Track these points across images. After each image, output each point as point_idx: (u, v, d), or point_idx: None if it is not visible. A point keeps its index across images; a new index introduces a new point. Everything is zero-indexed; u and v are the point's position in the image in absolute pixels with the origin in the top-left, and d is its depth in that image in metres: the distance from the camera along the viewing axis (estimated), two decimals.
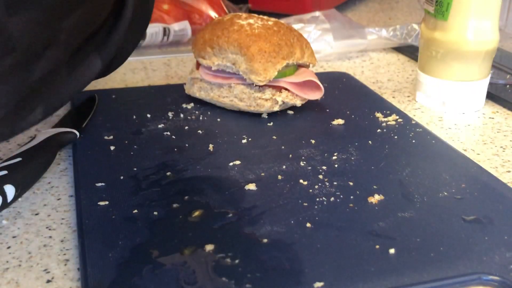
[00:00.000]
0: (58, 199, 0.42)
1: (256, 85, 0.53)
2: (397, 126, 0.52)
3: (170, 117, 0.54)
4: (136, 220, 0.38)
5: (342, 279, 0.32)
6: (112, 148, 0.48)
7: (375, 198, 0.40)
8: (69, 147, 0.49)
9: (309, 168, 0.44)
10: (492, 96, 0.59)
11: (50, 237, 0.37)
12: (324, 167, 0.44)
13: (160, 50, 0.76)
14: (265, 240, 0.36)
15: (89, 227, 0.37)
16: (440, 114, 0.56)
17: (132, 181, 0.42)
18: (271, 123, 0.53)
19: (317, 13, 0.76)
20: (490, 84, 0.58)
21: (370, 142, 0.49)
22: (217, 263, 0.33)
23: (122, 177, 0.43)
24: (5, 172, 0.40)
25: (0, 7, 0.29)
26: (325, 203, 0.40)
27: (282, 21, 0.56)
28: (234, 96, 0.54)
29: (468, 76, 0.55)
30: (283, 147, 0.48)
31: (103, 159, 0.46)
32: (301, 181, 0.42)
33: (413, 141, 0.49)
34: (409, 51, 0.74)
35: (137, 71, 0.69)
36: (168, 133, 0.50)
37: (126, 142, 0.49)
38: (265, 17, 0.56)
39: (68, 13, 0.33)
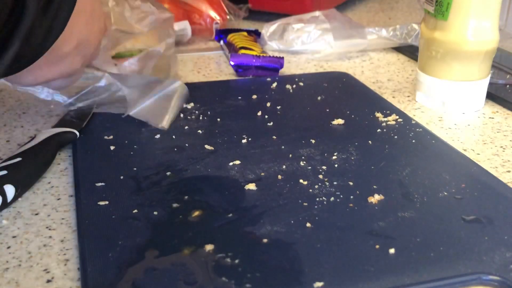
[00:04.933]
0: (58, 199, 0.42)
1: None
2: (397, 126, 0.52)
3: None
4: (136, 220, 0.38)
5: (342, 279, 0.32)
6: (112, 148, 0.48)
7: (375, 198, 0.40)
8: (69, 147, 0.49)
9: (309, 168, 0.44)
10: (492, 96, 0.59)
11: (50, 237, 0.37)
12: (324, 167, 0.44)
13: None
14: (265, 240, 0.35)
15: (89, 227, 0.37)
16: (440, 114, 0.56)
17: (132, 181, 0.42)
18: (271, 123, 0.53)
19: (317, 13, 0.76)
20: (490, 84, 0.58)
21: (370, 142, 0.49)
22: (217, 263, 0.33)
23: (122, 177, 0.43)
24: (5, 172, 0.40)
25: None
26: (325, 203, 0.40)
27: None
28: None
29: (468, 76, 0.55)
30: (283, 147, 0.48)
31: (103, 159, 0.46)
32: (301, 181, 0.42)
33: (413, 141, 0.49)
34: (409, 51, 0.74)
35: None
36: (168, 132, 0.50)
37: (126, 142, 0.49)
38: None
39: None
